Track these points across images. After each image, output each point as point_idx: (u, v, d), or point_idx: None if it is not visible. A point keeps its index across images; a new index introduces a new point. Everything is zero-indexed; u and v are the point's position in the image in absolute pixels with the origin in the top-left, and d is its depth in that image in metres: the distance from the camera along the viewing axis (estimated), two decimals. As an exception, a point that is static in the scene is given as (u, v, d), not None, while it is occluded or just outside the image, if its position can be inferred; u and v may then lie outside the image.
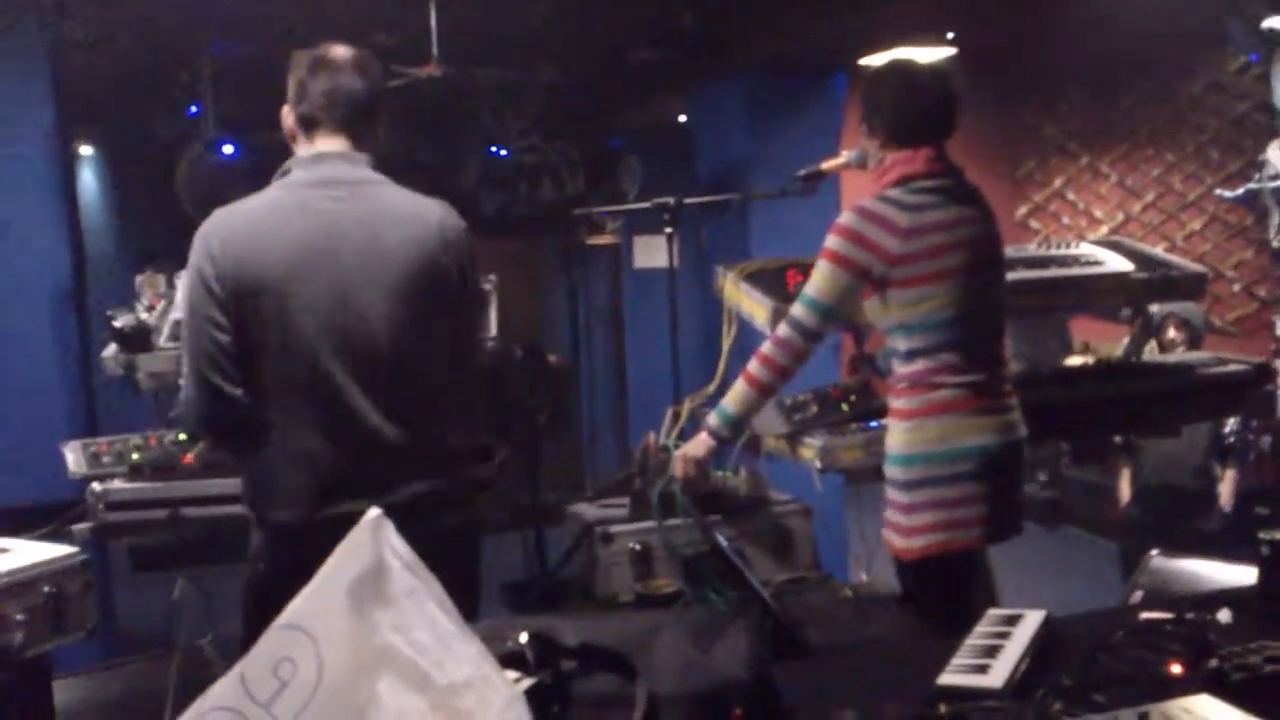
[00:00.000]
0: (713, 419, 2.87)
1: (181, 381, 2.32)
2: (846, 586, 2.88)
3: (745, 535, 3.00)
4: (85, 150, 7.21)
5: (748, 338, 3.47)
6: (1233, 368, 3.75)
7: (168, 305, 3.52)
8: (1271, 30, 5.33)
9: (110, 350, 3.32)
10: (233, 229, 2.26)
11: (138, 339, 3.24)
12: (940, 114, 2.76)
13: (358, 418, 2.25)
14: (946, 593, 2.66)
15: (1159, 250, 4.13)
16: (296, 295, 2.22)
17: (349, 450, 2.25)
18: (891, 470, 2.73)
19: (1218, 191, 7.16)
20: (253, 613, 2.31)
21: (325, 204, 2.28)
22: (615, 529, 2.95)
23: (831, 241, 2.70)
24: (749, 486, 3.16)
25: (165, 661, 2.85)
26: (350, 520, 2.21)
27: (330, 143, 2.34)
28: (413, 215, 2.33)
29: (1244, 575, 1.94)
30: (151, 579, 3.71)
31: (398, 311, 2.27)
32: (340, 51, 2.36)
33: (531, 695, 1.29)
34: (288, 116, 2.37)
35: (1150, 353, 5.25)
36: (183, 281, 2.35)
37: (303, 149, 2.36)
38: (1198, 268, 3.90)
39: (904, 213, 2.65)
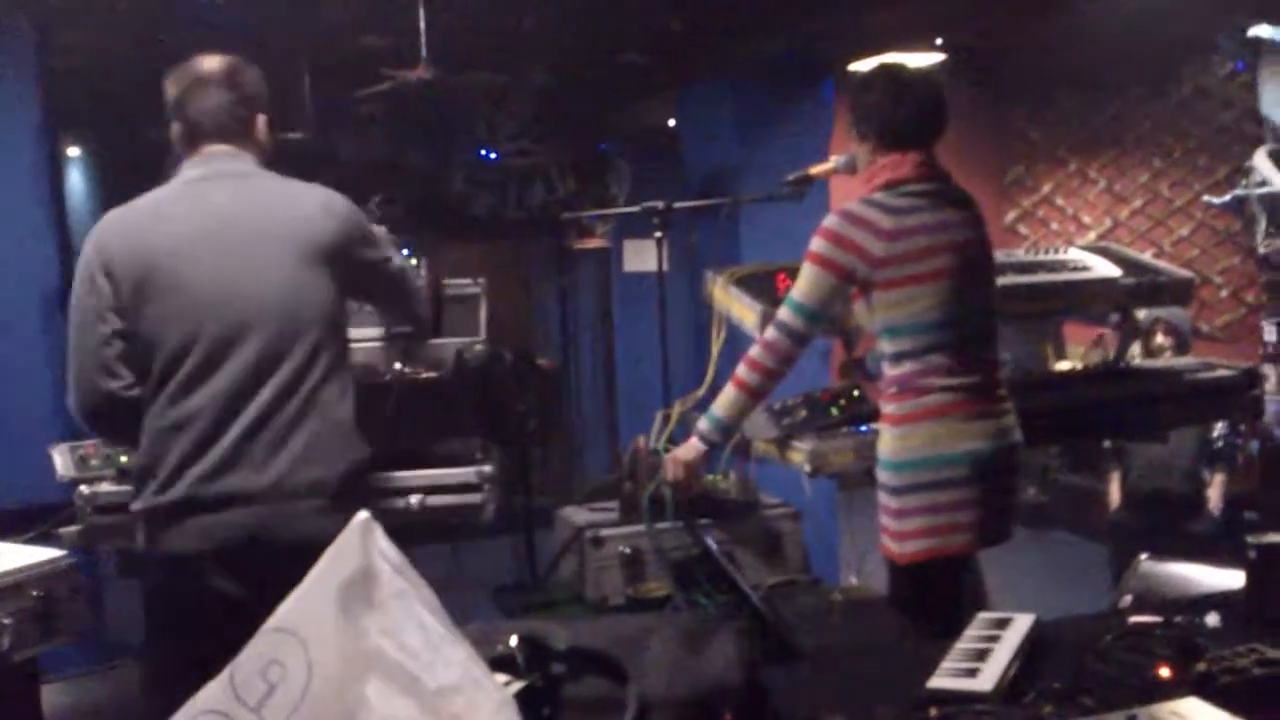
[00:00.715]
0: (703, 423, 2.87)
1: (69, 377, 2.43)
2: (836, 590, 2.89)
3: (735, 539, 3.00)
4: (73, 151, 7.19)
5: (737, 342, 3.47)
6: (1220, 373, 3.76)
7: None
8: (1258, 38, 5.35)
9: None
10: (124, 222, 2.41)
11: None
12: (929, 118, 2.77)
13: (247, 397, 2.32)
14: (937, 597, 2.66)
15: (1146, 256, 4.15)
16: (186, 278, 2.33)
17: (236, 429, 2.31)
18: (883, 475, 2.73)
19: (1205, 198, 7.19)
20: (154, 611, 2.42)
21: (213, 194, 2.41)
22: (605, 532, 2.95)
23: (815, 244, 2.71)
24: (739, 490, 3.17)
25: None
26: (232, 498, 2.28)
27: (216, 147, 2.48)
28: (297, 199, 2.45)
29: (1232, 579, 1.95)
30: (140, 583, 3.68)
31: (286, 292, 2.36)
32: (210, 65, 2.50)
33: (521, 699, 1.29)
34: (174, 128, 2.51)
35: (1133, 357, 5.27)
36: (75, 281, 2.44)
37: (193, 154, 2.49)
38: (1185, 273, 3.92)
39: (888, 215, 2.66)
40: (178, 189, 2.46)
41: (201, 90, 2.47)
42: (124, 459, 3.16)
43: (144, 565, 2.42)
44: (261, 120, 2.54)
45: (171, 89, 2.51)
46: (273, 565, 2.26)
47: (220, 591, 2.29)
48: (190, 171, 2.47)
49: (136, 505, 2.40)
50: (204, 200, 2.40)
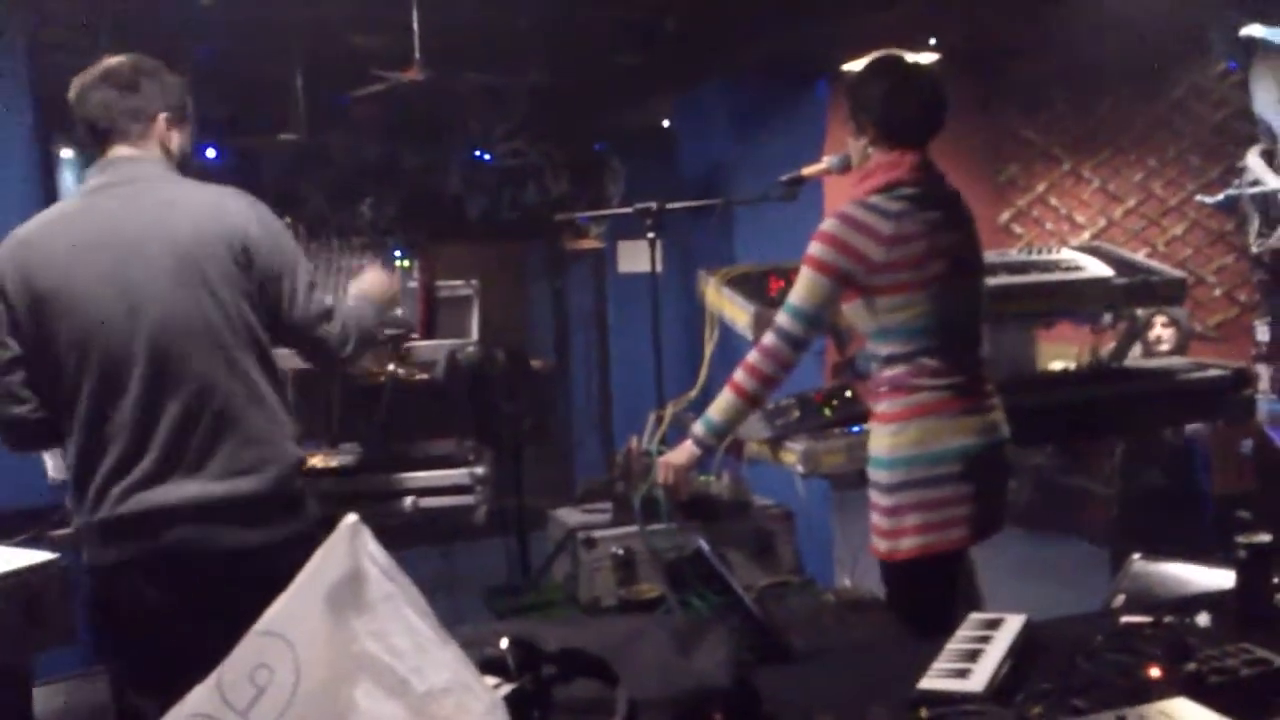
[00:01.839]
0: (698, 428, 2.87)
1: None
2: (829, 591, 2.88)
3: (728, 540, 3.00)
4: (66, 153, 7.17)
5: (730, 342, 3.48)
6: (1213, 373, 3.77)
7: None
8: (1250, 38, 5.36)
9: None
10: (21, 241, 2.37)
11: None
12: (929, 113, 2.75)
13: (156, 415, 2.27)
14: (930, 595, 2.66)
15: (1140, 256, 4.16)
16: (79, 293, 2.28)
17: (152, 448, 2.28)
18: (875, 474, 2.73)
19: (1198, 197, 7.19)
20: (92, 625, 2.43)
21: (106, 203, 2.36)
22: (598, 534, 2.94)
23: (815, 249, 2.70)
24: (732, 491, 3.16)
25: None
26: (154, 515, 2.25)
27: (117, 150, 2.43)
28: (188, 201, 2.38)
29: (1224, 579, 1.95)
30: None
31: (182, 297, 2.29)
32: (113, 65, 2.46)
33: (511, 701, 1.29)
34: (81, 135, 2.48)
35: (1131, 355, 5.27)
36: None
37: (100, 159, 2.46)
38: (1177, 273, 3.93)
39: (887, 220, 2.65)
40: (76, 201, 2.43)
41: (95, 88, 2.43)
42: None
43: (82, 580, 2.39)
44: (163, 120, 2.47)
45: (71, 90, 2.46)
46: (200, 576, 2.27)
47: (149, 603, 2.29)
48: (90, 180, 2.43)
49: (74, 522, 2.39)
50: (95, 211, 2.36)
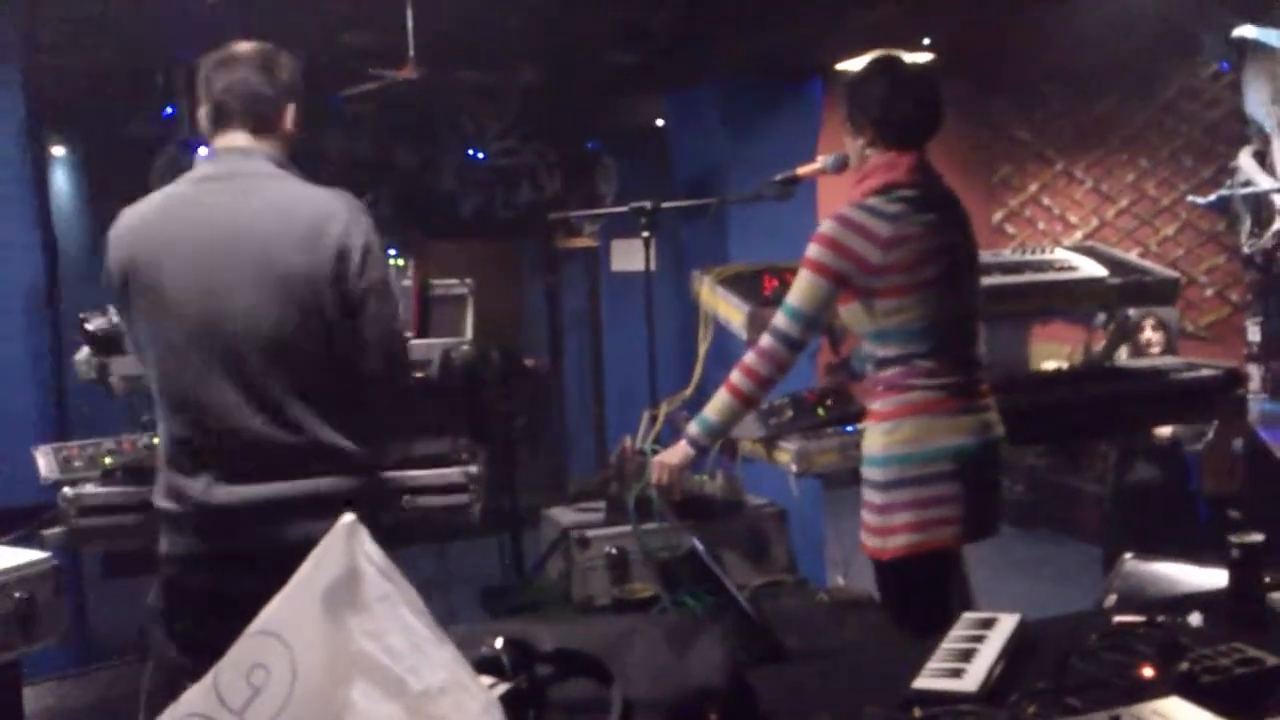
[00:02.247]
0: (693, 428, 2.86)
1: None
2: (823, 590, 2.89)
3: (721, 539, 3.00)
4: (58, 151, 7.16)
5: (724, 341, 3.48)
6: (1204, 373, 3.79)
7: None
8: (1243, 38, 5.38)
9: (83, 353, 3.28)
10: (127, 222, 2.36)
11: (111, 342, 3.20)
12: (927, 114, 2.75)
13: (221, 409, 2.27)
14: (923, 594, 2.66)
15: (1132, 256, 4.17)
16: (166, 285, 2.28)
17: (210, 441, 2.28)
18: (868, 471, 2.74)
19: (1190, 198, 7.21)
20: (163, 609, 2.39)
21: (208, 198, 2.34)
22: (592, 533, 2.94)
23: (813, 251, 2.70)
24: (725, 490, 3.17)
25: (138, 668, 2.82)
26: (223, 510, 2.26)
27: (232, 138, 2.40)
28: (292, 206, 2.33)
29: (1216, 578, 1.96)
30: (125, 585, 3.67)
31: (270, 304, 2.27)
32: (244, 48, 2.43)
33: (507, 701, 1.29)
34: (201, 119, 2.45)
35: (1121, 356, 5.29)
36: None
37: (210, 146, 2.44)
38: (1170, 273, 3.94)
39: (885, 223, 2.65)
40: (182, 188, 2.39)
41: (231, 67, 2.39)
42: (108, 460, 3.16)
43: (159, 563, 2.39)
44: (291, 110, 2.45)
45: (202, 68, 2.43)
46: (269, 570, 2.26)
47: (219, 596, 2.27)
48: (200, 169, 2.42)
49: (155, 502, 2.39)
50: (201, 204, 2.34)
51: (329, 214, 2.32)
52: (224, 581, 2.24)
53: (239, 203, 2.32)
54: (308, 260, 2.28)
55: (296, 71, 2.48)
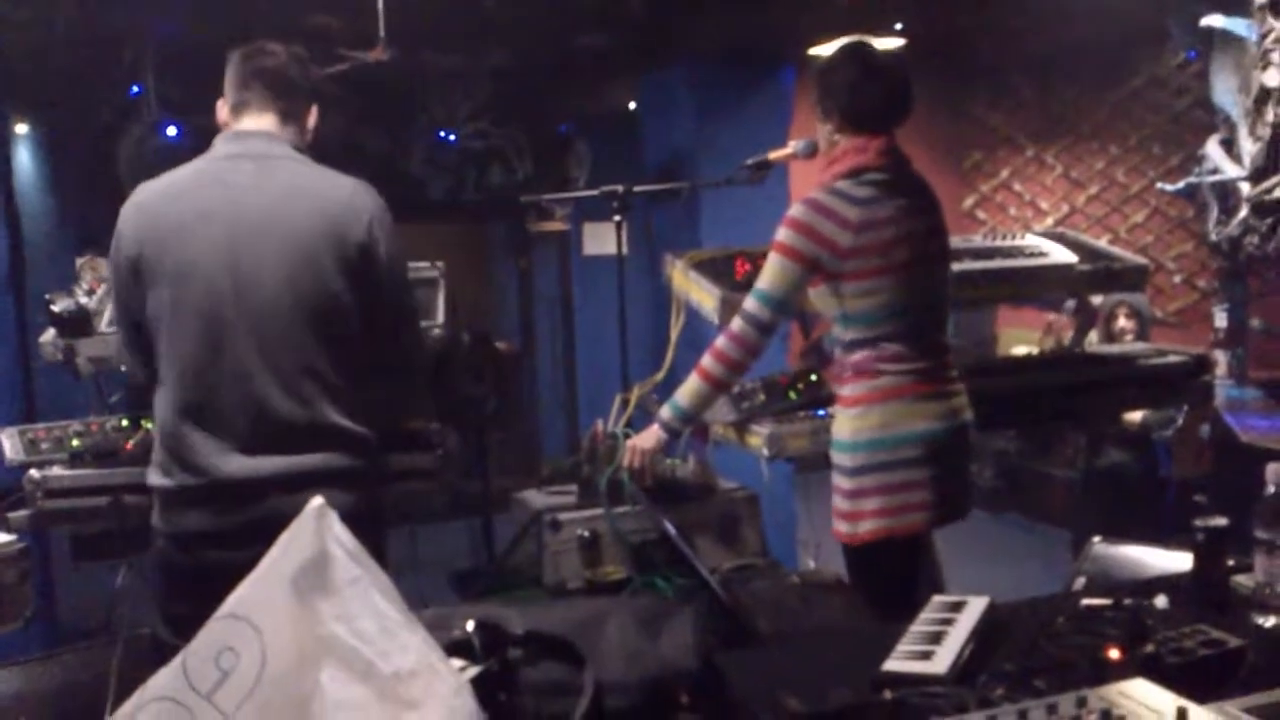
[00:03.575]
0: (665, 412, 2.87)
1: None
2: (794, 573, 2.90)
3: (693, 522, 3.00)
4: (21, 129, 7.05)
5: (696, 326, 3.48)
6: (1172, 358, 3.82)
7: (108, 289, 3.45)
8: (1210, 28, 5.41)
9: (49, 335, 3.26)
10: (147, 194, 2.38)
11: (77, 324, 3.18)
12: (895, 101, 2.76)
13: (241, 380, 2.29)
14: (892, 578, 2.68)
15: (1102, 242, 4.20)
16: (190, 258, 2.30)
17: (226, 413, 2.29)
18: (838, 456, 2.75)
19: (1159, 185, 7.27)
20: (154, 581, 2.40)
21: (233, 176, 2.36)
22: (563, 516, 2.94)
23: (782, 234, 2.70)
24: (697, 474, 3.17)
25: (107, 651, 2.80)
26: (240, 484, 2.26)
27: (255, 122, 2.44)
28: (319, 190, 2.39)
29: (1183, 561, 1.98)
30: (93, 568, 3.64)
31: (294, 282, 2.31)
32: (274, 45, 2.49)
33: (478, 683, 1.28)
34: (222, 108, 2.48)
35: (1092, 342, 5.33)
36: None
37: (231, 129, 2.46)
38: (1140, 260, 3.97)
39: (854, 206, 2.66)
40: (200, 165, 2.42)
41: (265, 56, 2.45)
42: (75, 442, 3.12)
43: (154, 541, 2.38)
44: (314, 111, 2.52)
45: (232, 62, 2.47)
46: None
47: (230, 572, 2.27)
48: (219, 148, 2.43)
49: (152, 481, 2.37)
50: (221, 180, 2.36)
51: (359, 205, 2.39)
52: (234, 556, 2.23)
53: (268, 182, 2.36)
54: (335, 246, 2.33)
55: (322, 83, 2.59)
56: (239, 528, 2.26)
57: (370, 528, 2.36)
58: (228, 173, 2.37)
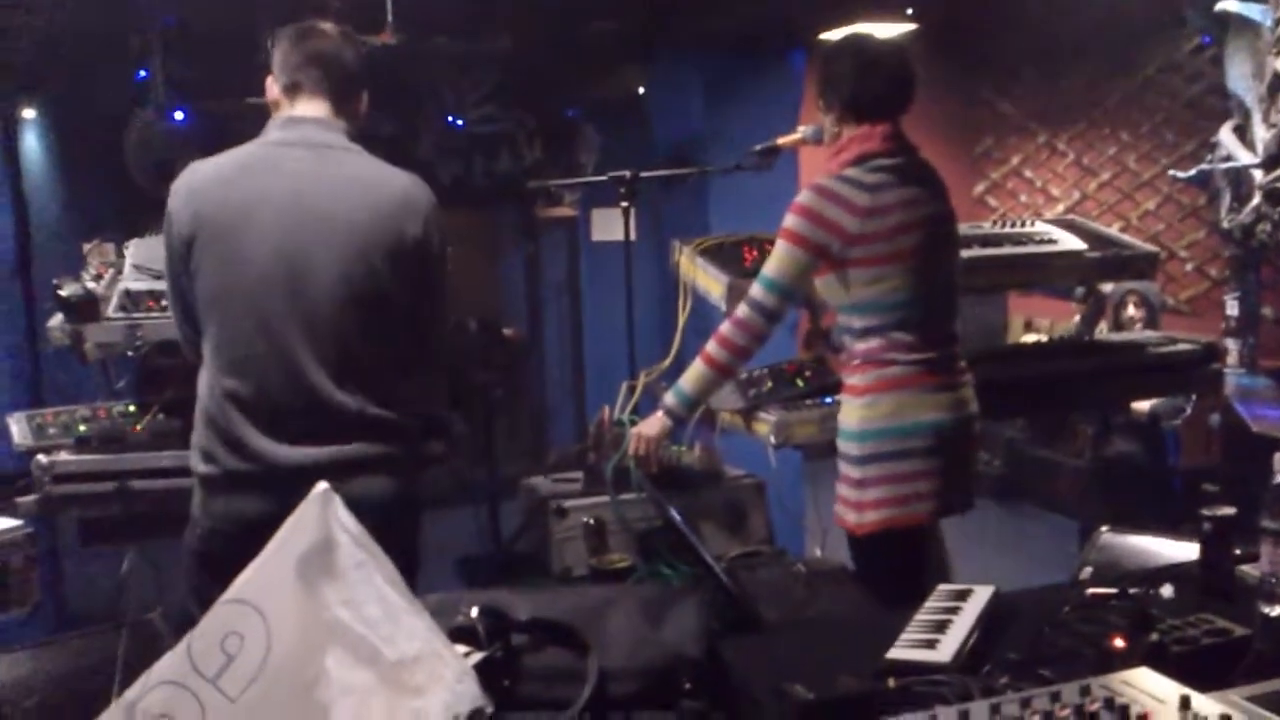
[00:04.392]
0: (670, 398, 2.87)
1: None
2: (800, 561, 2.89)
3: (699, 510, 3.00)
4: (28, 114, 7.05)
5: (704, 312, 3.47)
6: (1182, 347, 3.80)
7: (116, 275, 3.46)
8: (1225, 12, 5.38)
9: (56, 320, 3.26)
10: (200, 175, 2.35)
11: (85, 309, 3.18)
12: (896, 90, 2.75)
13: (293, 367, 2.27)
14: (898, 568, 2.68)
15: (1113, 230, 4.17)
16: (244, 244, 2.28)
17: (275, 400, 2.27)
18: (845, 445, 2.74)
19: (1171, 172, 7.22)
20: (191, 571, 2.37)
21: (290, 164, 2.34)
22: (569, 503, 2.94)
23: (790, 221, 2.69)
24: (703, 461, 3.16)
25: (113, 636, 2.81)
26: (288, 471, 2.24)
27: (309, 107, 2.41)
28: (376, 183, 2.37)
29: (1190, 551, 1.98)
30: (100, 552, 3.66)
31: (348, 274, 2.29)
32: (326, 25, 2.46)
33: (482, 669, 1.29)
34: (272, 86, 2.44)
35: (1102, 331, 5.32)
36: None
37: (284, 113, 2.42)
38: (1149, 247, 3.95)
39: (863, 192, 2.65)
40: (255, 150, 2.39)
41: (317, 38, 2.42)
42: (82, 428, 3.13)
43: (194, 527, 2.36)
44: (365, 98, 2.49)
45: (281, 41, 2.43)
46: None
47: None
48: (273, 133, 2.40)
49: (196, 468, 2.35)
50: (277, 167, 2.33)
51: (415, 200, 2.38)
52: None
53: (325, 171, 2.34)
54: (391, 241, 2.32)
55: (365, 56, 2.52)
56: (289, 515, 2.25)
57: (413, 512, 2.45)
58: (283, 160, 2.34)
